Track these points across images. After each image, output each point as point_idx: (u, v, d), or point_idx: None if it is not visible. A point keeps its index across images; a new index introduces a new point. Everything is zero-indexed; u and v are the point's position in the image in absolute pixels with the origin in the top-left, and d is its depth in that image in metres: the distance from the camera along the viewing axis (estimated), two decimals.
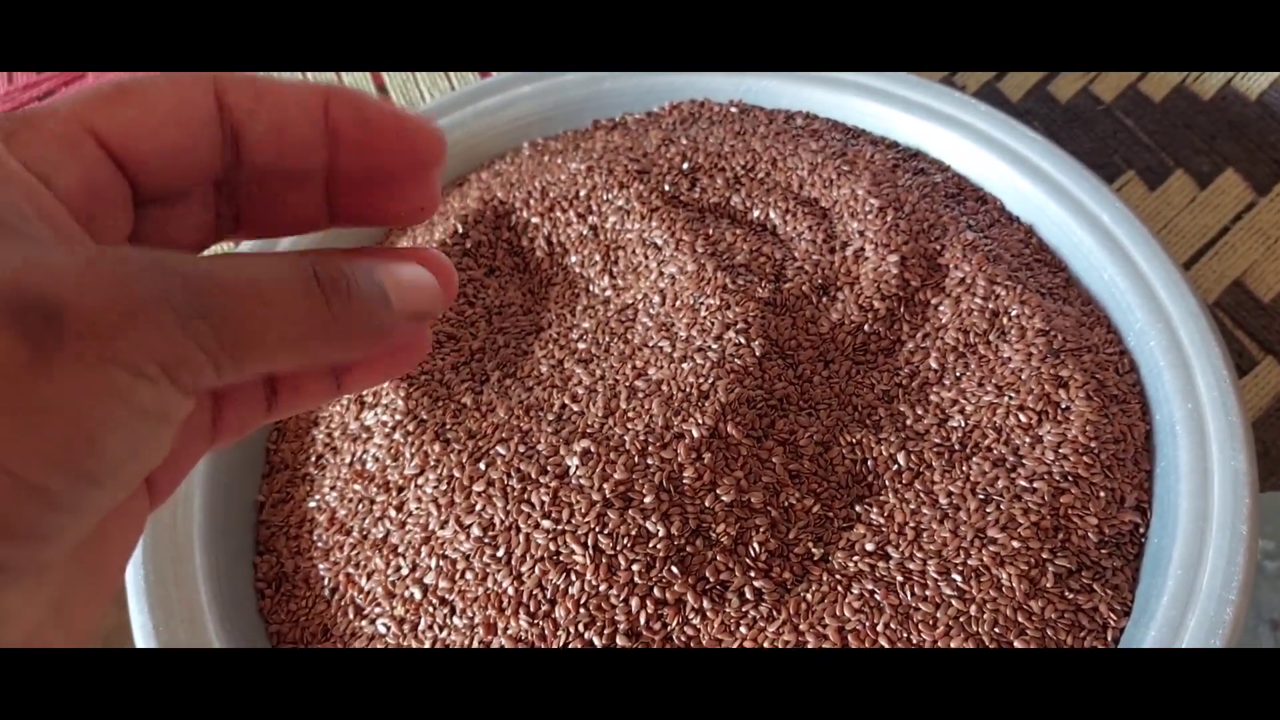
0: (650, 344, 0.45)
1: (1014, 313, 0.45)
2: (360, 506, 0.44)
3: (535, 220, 0.51)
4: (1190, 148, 0.58)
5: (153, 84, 0.19)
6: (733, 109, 0.57)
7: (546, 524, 0.39)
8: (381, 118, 0.20)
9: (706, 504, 0.39)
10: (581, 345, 0.46)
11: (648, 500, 0.39)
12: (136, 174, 0.19)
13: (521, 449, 0.41)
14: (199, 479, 0.45)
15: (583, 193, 0.51)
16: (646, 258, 0.49)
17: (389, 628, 0.41)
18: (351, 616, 0.42)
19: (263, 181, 0.21)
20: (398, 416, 0.44)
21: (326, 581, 0.43)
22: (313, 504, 0.46)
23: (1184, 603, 0.37)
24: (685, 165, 0.52)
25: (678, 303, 0.46)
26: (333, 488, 0.45)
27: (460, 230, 0.50)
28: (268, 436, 0.49)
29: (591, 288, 0.49)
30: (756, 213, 0.50)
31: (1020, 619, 0.38)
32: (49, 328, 0.15)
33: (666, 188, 0.51)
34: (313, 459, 0.47)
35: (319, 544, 0.44)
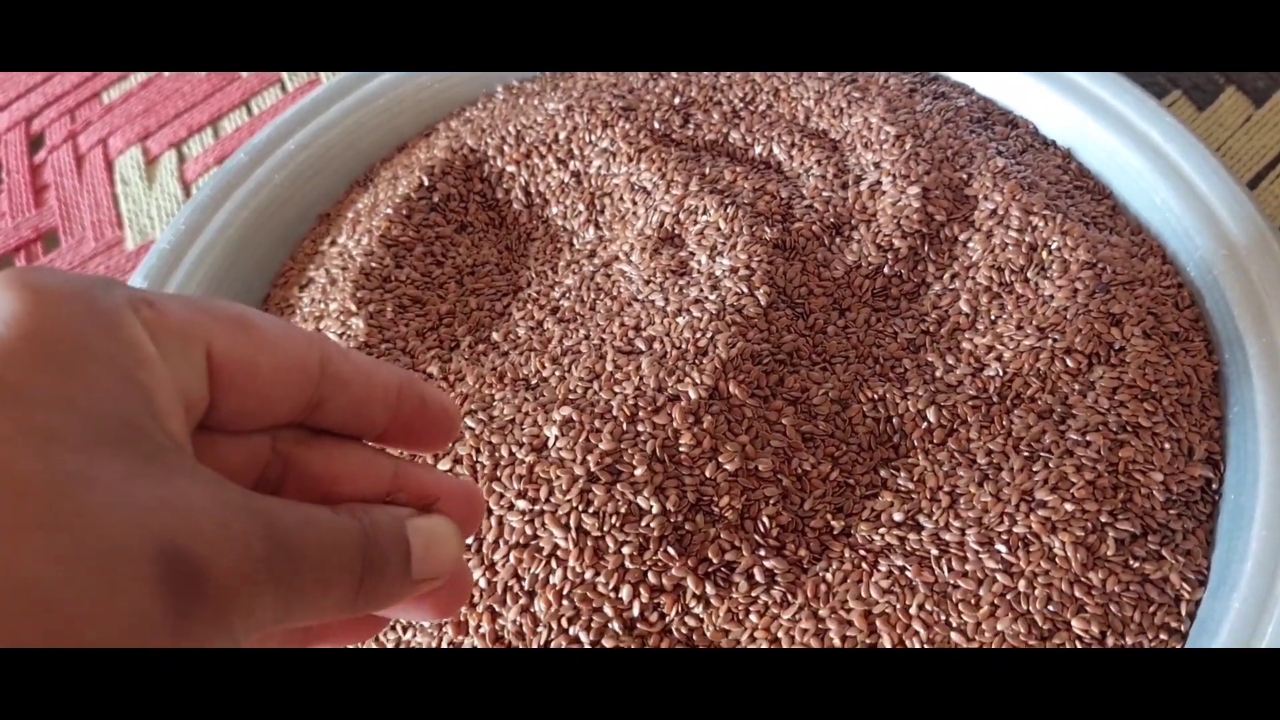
0: (641, 298, 0.40)
1: (1054, 245, 0.39)
2: None
3: (510, 169, 0.46)
4: None
5: (272, 329, 0.20)
6: None
7: (522, 504, 0.34)
8: (437, 403, 0.22)
9: (707, 474, 0.34)
10: (565, 303, 0.41)
11: (639, 472, 0.34)
12: (224, 399, 0.19)
13: (491, 421, 0.36)
14: None
15: (563, 135, 0.45)
16: (635, 203, 0.43)
17: None
18: None
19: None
20: None
21: None
22: None
23: (1271, 568, 0.32)
24: (676, 100, 0.46)
25: None
26: None
27: (426, 183, 0.45)
28: None
29: (575, 241, 0.44)
30: (759, 149, 0.45)
31: (1078, 593, 0.32)
32: (191, 589, 0.16)
33: (656, 125, 0.45)
34: None
35: None
